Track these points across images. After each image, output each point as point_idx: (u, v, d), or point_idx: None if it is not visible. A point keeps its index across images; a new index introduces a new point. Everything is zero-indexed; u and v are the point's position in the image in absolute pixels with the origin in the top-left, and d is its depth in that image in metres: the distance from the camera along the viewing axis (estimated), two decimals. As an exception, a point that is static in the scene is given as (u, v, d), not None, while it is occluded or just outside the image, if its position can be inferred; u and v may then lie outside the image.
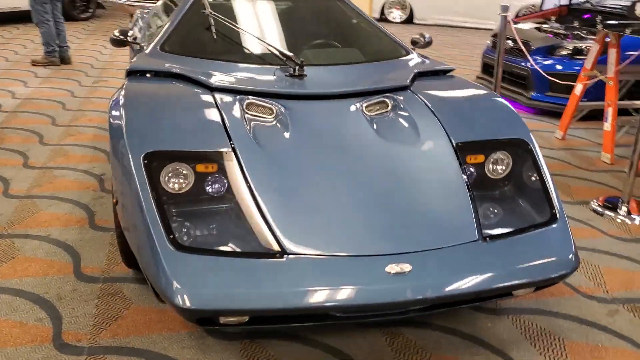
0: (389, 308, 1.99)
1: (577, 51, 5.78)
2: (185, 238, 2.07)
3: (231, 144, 2.35)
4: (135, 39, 3.38)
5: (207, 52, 3.20)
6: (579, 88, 4.94)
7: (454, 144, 2.53)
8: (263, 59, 3.16)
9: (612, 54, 4.55)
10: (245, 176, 2.25)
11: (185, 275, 1.91)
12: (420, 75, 3.18)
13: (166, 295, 1.90)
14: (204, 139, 2.35)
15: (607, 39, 4.63)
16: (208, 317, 1.94)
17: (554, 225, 2.29)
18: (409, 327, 2.43)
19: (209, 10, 3.39)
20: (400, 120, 2.69)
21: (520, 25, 6.82)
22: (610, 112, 4.56)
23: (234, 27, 3.32)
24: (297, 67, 3.00)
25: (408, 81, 3.00)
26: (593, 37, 5.88)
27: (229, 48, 3.27)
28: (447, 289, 2.00)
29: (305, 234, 2.09)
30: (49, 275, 2.71)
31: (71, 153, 4.27)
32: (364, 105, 2.78)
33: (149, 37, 3.69)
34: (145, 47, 3.35)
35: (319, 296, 1.93)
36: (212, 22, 3.35)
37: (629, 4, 6.16)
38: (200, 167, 2.27)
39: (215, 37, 3.30)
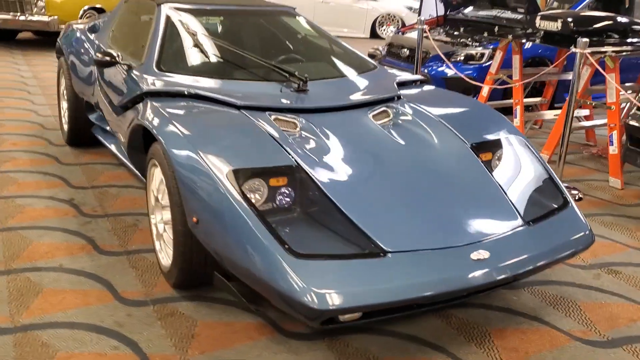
0: (475, 291, 2.30)
1: (469, 57, 6.50)
2: (294, 247, 2.19)
3: (292, 157, 2.51)
4: (122, 57, 3.33)
5: (208, 71, 3.26)
6: (485, 90, 5.61)
7: (469, 145, 2.90)
8: (260, 75, 3.28)
9: (516, 59, 5.26)
10: (317, 186, 2.43)
11: (311, 280, 2.06)
12: (399, 85, 3.51)
13: (295, 301, 2.03)
14: (270, 155, 2.49)
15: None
16: (331, 317, 2.11)
17: (569, 207, 2.75)
18: (454, 309, 2.75)
19: (193, 30, 3.45)
20: (410, 126, 3.00)
21: (409, 35, 7.46)
22: (518, 110, 5.26)
23: (222, 45, 3.42)
24: (301, 83, 3.18)
25: (398, 91, 3.33)
26: (477, 43, 6.65)
27: (228, 66, 3.36)
28: (518, 269, 2.35)
29: (396, 233, 2.32)
30: (92, 305, 2.64)
31: (21, 180, 4.02)
32: (370, 115, 3.05)
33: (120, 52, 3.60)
34: (132, 65, 3.32)
35: (423, 287, 2.18)
36: (200, 40, 3.41)
37: (500, 14, 7.04)
38: (273, 181, 2.41)
39: (209, 56, 3.37)
